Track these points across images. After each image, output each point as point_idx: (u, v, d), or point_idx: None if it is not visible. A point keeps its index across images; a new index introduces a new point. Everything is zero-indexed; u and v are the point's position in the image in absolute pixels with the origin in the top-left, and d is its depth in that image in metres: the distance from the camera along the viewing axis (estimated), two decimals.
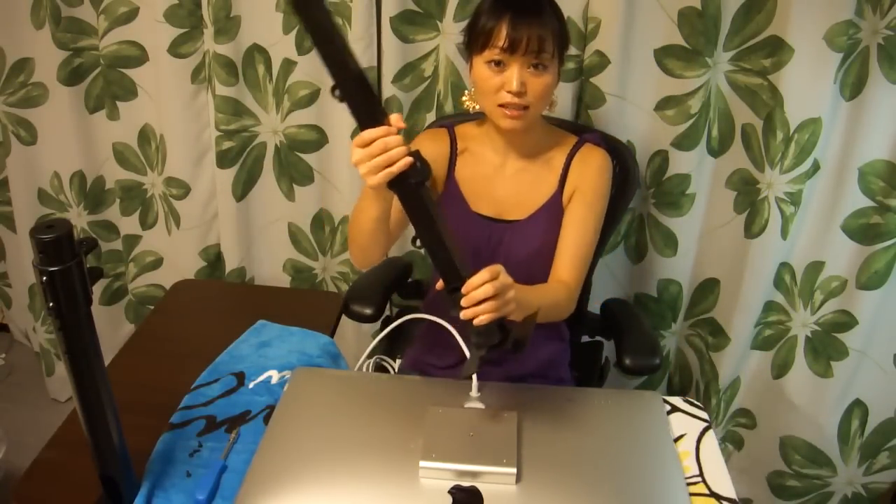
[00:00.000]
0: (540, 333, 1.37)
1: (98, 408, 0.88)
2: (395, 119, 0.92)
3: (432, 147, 1.31)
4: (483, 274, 0.93)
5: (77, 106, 1.86)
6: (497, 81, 1.15)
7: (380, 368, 1.45)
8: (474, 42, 1.18)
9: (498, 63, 1.15)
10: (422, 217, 0.92)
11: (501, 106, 1.16)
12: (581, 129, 1.39)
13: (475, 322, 0.94)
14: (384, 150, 0.89)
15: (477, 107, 1.25)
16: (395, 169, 0.90)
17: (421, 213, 0.92)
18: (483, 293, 0.92)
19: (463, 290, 0.93)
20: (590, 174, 1.27)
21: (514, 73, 1.13)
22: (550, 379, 1.38)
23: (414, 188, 0.91)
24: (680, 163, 1.59)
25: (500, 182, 1.30)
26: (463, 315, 0.94)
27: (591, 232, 1.25)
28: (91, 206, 2.00)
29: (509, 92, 1.14)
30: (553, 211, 1.28)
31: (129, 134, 1.90)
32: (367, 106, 0.90)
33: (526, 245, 1.27)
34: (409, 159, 0.90)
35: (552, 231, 1.27)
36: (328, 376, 1.20)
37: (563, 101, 1.60)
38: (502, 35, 1.12)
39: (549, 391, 1.21)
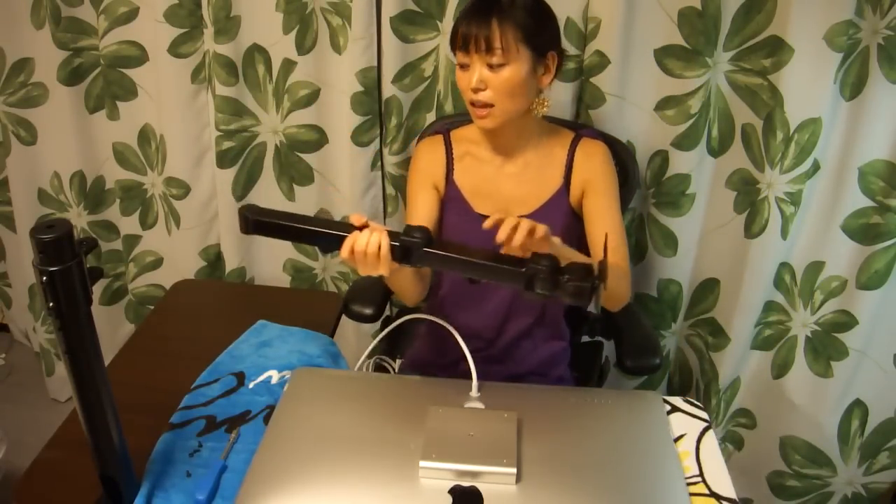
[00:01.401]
0: (541, 332, 1.37)
1: (98, 408, 0.88)
2: (354, 220, 1.00)
3: (428, 157, 1.35)
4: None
5: (77, 106, 1.86)
6: (465, 81, 1.20)
7: (380, 368, 1.45)
8: (450, 45, 1.23)
9: (464, 63, 1.19)
10: (452, 263, 0.99)
11: (471, 104, 1.21)
12: (575, 126, 1.40)
13: (515, 243, 0.96)
14: (362, 251, 0.98)
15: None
16: (384, 251, 0.98)
17: (447, 261, 0.99)
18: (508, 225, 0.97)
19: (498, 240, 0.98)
20: (597, 166, 1.29)
21: (473, 71, 1.18)
22: (551, 378, 1.39)
23: (422, 253, 0.98)
24: (680, 163, 1.59)
25: (501, 181, 1.31)
26: (506, 248, 0.97)
27: (619, 219, 1.27)
28: (91, 206, 2.00)
29: (472, 90, 1.18)
30: (559, 205, 1.29)
31: (129, 134, 1.90)
32: (336, 239, 1.00)
33: None
34: (386, 239, 0.98)
35: (558, 224, 1.28)
36: (328, 376, 1.20)
37: (563, 101, 1.60)
38: (459, 35, 1.18)
39: (549, 391, 1.21)
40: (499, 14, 1.15)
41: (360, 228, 0.99)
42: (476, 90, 1.18)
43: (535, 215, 1.28)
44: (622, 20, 1.47)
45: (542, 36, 1.20)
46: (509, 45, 1.15)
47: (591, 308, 0.93)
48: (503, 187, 1.31)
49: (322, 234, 1.01)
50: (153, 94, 1.83)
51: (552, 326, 1.39)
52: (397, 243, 0.98)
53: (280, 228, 1.01)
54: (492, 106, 1.19)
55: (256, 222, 1.00)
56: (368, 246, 0.98)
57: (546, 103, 1.26)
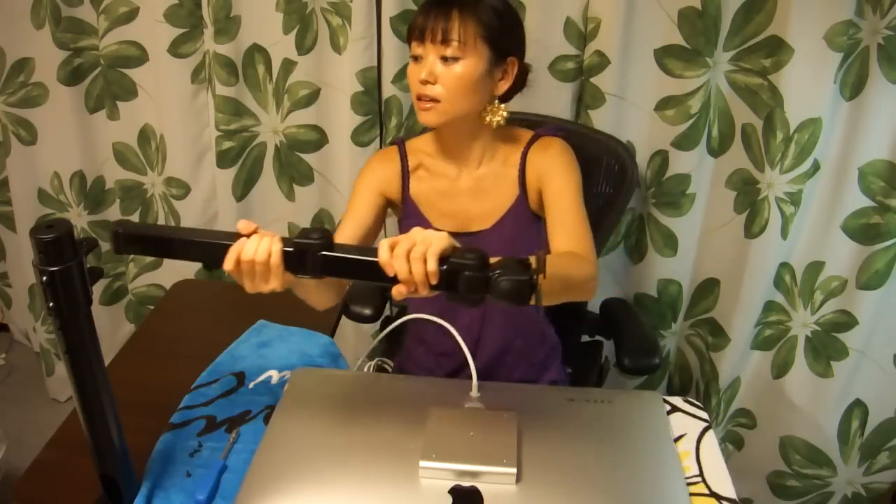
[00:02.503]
0: (521, 343, 1.33)
1: (98, 408, 0.88)
2: (241, 227, 0.88)
3: (381, 169, 1.27)
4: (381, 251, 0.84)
5: (77, 106, 1.86)
6: (416, 74, 1.14)
7: (380, 370, 1.45)
8: (406, 37, 1.18)
9: (417, 57, 1.14)
10: (354, 268, 0.86)
11: (418, 99, 1.14)
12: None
13: (401, 276, 0.82)
14: (250, 259, 0.85)
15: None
16: (275, 259, 0.85)
17: (349, 267, 0.85)
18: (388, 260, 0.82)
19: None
20: (550, 157, 1.20)
21: (425, 63, 1.12)
22: (542, 382, 1.37)
23: (319, 258, 0.84)
24: (680, 163, 1.59)
25: (457, 196, 1.25)
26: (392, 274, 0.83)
27: (577, 203, 1.16)
28: (91, 206, 2.00)
29: (420, 81, 1.13)
30: (518, 215, 1.24)
31: (129, 134, 1.90)
32: (219, 249, 0.87)
33: (495, 254, 1.23)
34: (278, 244, 0.85)
35: (520, 235, 1.23)
36: (328, 376, 1.20)
37: (563, 101, 1.60)
38: (416, 25, 1.13)
39: (549, 391, 1.21)
40: (461, 6, 1.11)
41: (248, 236, 0.87)
42: (424, 82, 1.12)
43: (496, 228, 1.24)
44: (622, 20, 1.47)
45: (504, 37, 1.15)
46: (467, 38, 1.10)
47: (536, 308, 0.81)
48: (459, 203, 1.25)
49: (201, 244, 0.88)
50: (153, 94, 1.83)
51: (532, 334, 1.35)
52: (291, 248, 0.85)
53: (154, 242, 0.89)
54: (437, 101, 1.13)
55: (129, 237, 0.87)
56: (256, 253, 0.85)
57: (501, 112, 1.18)
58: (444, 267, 0.81)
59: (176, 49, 1.71)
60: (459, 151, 1.23)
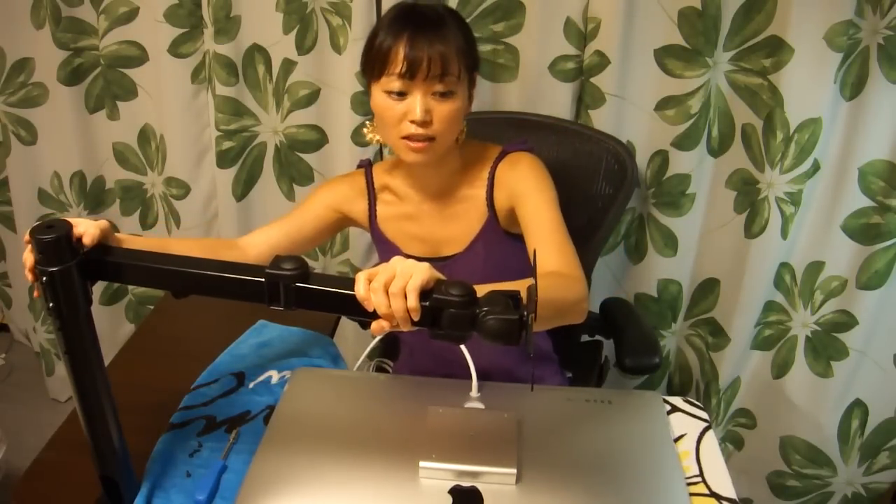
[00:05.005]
0: (511, 360, 1.30)
1: (98, 408, 0.88)
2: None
3: (343, 186, 1.24)
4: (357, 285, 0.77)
5: (77, 106, 1.86)
6: (399, 111, 1.03)
7: (380, 370, 1.45)
8: (370, 67, 1.05)
9: (402, 90, 1.03)
10: (325, 301, 0.79)
11: (406, 138, 1.04)
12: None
13: (380, 311, 0.76)
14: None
15: (378, 138, 1.12)
16: None
17: (324, 300, 0.78)
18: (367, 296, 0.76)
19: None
20: (519, 172, 1.14)
21: (416, 101, 1.02)
22: None
23: (293, 289, 0.78)
24: (680, 163, 1.59)
25: (426, 222, 1.21)
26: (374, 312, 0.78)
27: (556, 219, 1.09)
28: (91, 206, 2.00)
29: (413, 122, 1.02)
30: (490, 235, 1.19)
31: (129, 134, 1.91)
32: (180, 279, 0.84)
33: (469, 277, 1.18)
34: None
35: (493, 255, 1.20)
36: (328, 376, 1.20)
37: (563, 101, 1.59)
38: (399, 58, 1.00)
39: (548, 391, 1.21)
40: (441, 33, 1.01)
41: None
42: (424, 123, 1.02)
43: (468, 251, 1.20)
44: (622, 20, 1.47)
45: (473, 54, 1.08)
46: (459, 71, 1.03)
47: (526, 348, 0.73)
48: (427, 228, 1.21)
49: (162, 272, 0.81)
50: (153, 94, 1.83)
51: (521, 348, 1.31)
52: (262, 279, 0.78)
53: (121, 270, 0.82)
54: (432, 139, 1.04)
55: (94, 266, 0.80)
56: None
57: (464, 129, 1.13)
58: (427, 303, 0.74)
59: (176, 49, 1.71)
60: (425, 177, 1.18)
